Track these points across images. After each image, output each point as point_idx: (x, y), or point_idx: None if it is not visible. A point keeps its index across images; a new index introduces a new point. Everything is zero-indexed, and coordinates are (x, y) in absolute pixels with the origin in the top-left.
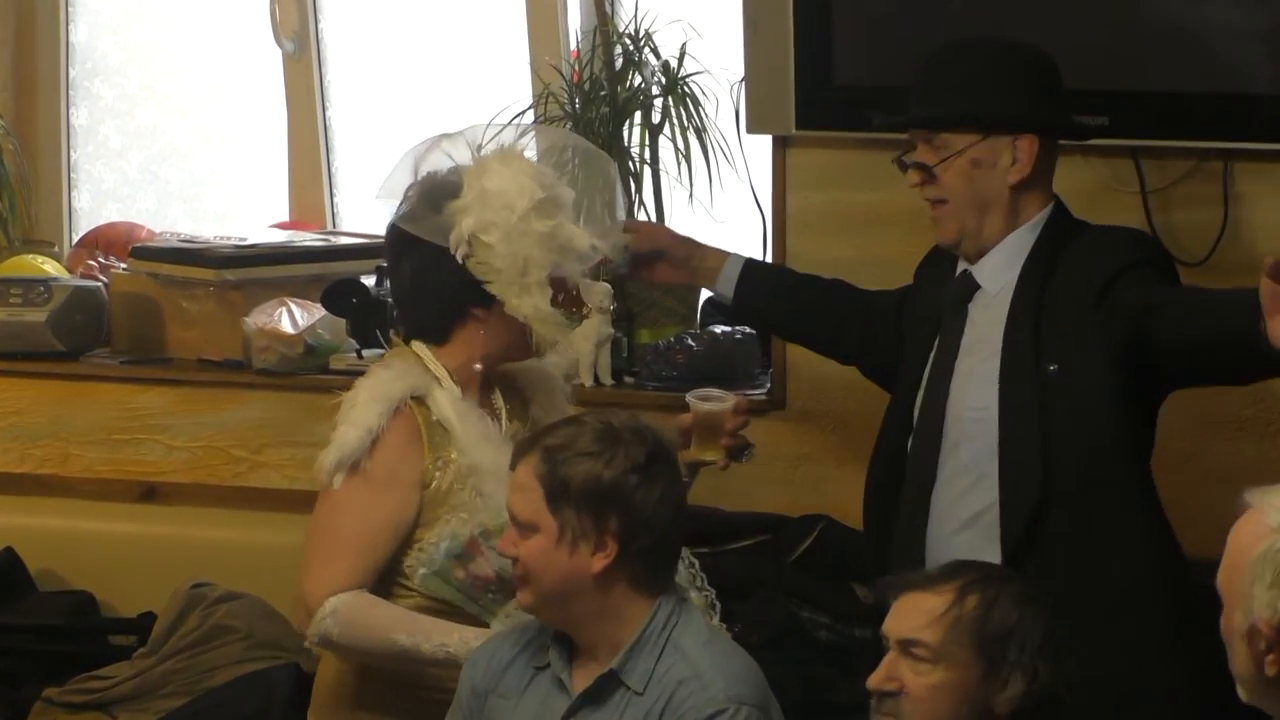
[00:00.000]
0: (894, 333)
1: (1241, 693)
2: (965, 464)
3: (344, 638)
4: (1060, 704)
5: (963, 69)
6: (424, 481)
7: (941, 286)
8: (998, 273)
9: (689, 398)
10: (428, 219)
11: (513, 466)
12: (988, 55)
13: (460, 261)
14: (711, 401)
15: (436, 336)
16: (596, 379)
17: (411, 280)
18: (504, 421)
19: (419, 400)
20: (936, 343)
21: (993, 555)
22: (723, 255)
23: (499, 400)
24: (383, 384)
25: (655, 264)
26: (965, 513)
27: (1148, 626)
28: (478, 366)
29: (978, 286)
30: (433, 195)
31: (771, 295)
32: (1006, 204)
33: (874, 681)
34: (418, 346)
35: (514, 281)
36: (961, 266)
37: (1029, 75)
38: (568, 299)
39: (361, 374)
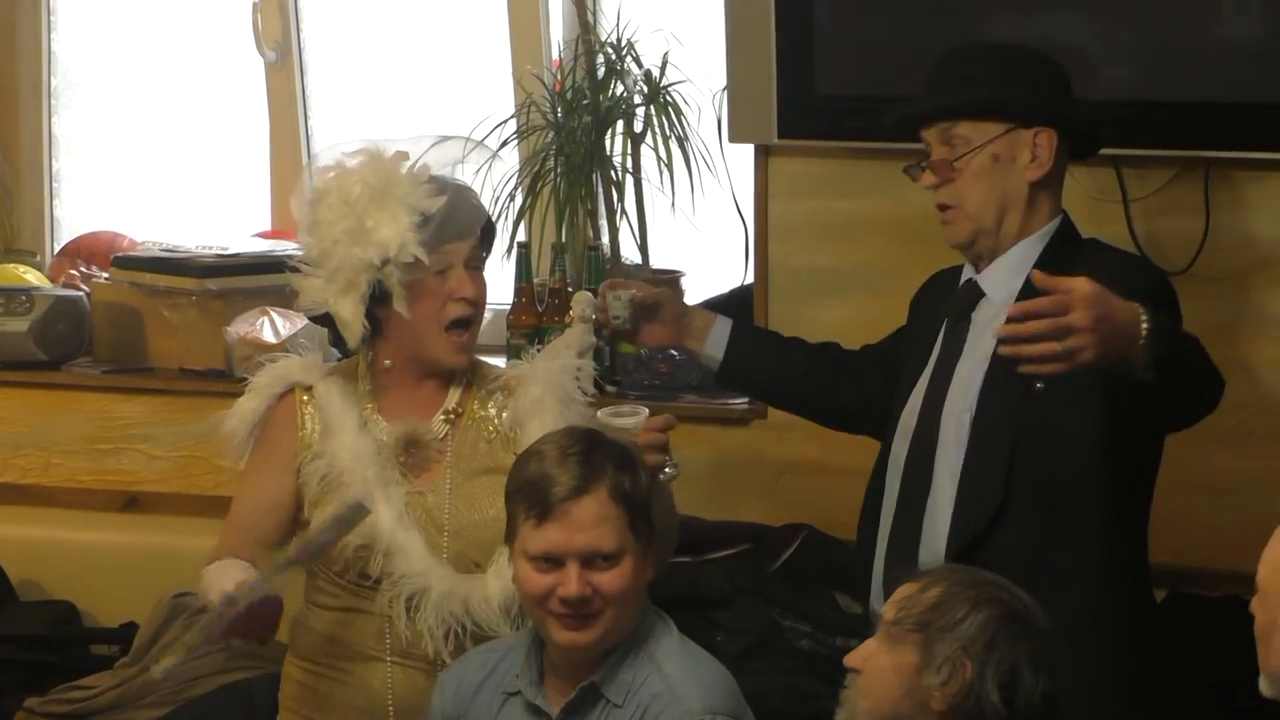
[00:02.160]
0: (891, 376)
1: (1266, 687)
2: (954, 467)
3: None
4: (993, 714)
5: (981, 62)
6: (298, 463)
7: (942, 301)
8: (1003, 281)
9: (599, 414)
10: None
11: (564, 502)
12: (1005, 52)
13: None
14: (622, 418)
15: (364, 336)
16: None
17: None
18: (433, 421)
19: (308, 389)
20: (937, 350)
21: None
22: (711, 316)
23: (451, 399)
24: (265, 373)
25: (651, 321)
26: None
27: (1096, 656)
28: (387, 363)
29: (982, 294)
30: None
31: (762, 355)
32: (1024, 202)
33: (846, 659)
34: (362, 350)
35: (331, 277)
36: (966, 276)
37: (1047, 72)
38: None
39: None
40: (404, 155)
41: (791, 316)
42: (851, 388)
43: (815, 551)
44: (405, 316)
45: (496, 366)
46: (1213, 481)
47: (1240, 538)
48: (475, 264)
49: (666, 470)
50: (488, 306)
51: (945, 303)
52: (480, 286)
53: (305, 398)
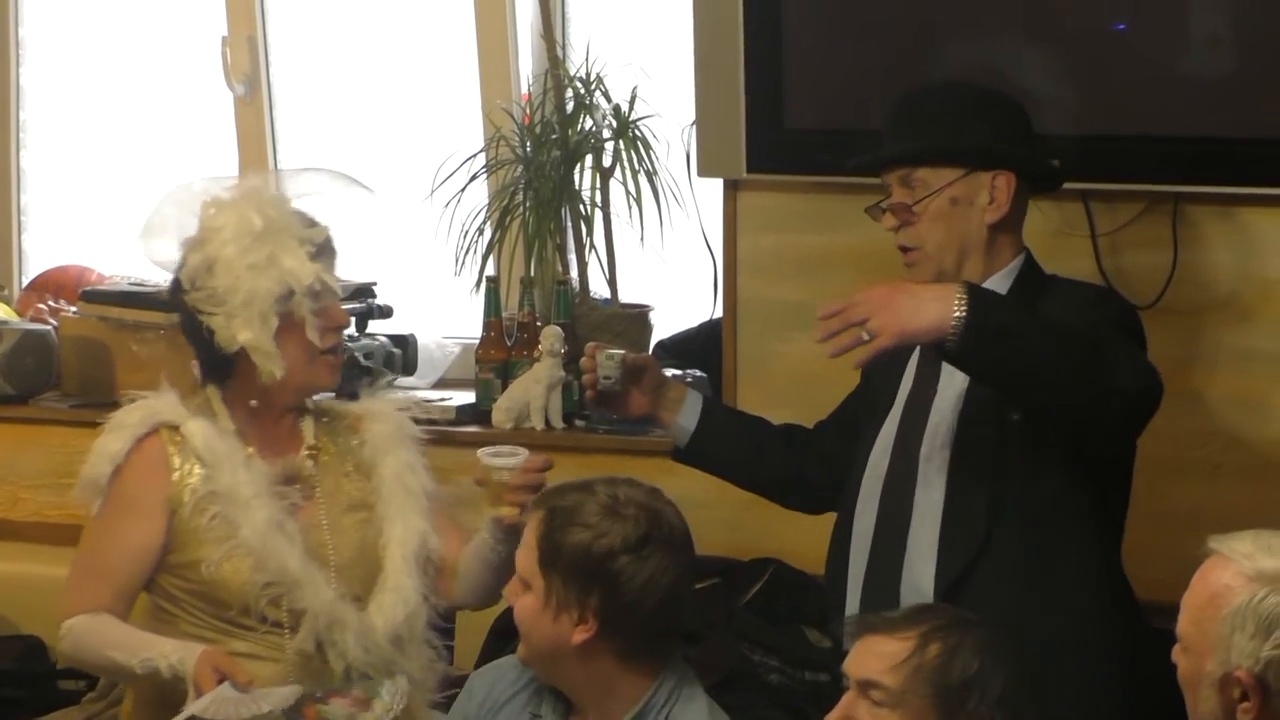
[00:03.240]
0: (850, 436)
1: None
2: (936, 504)
3: (75, 658)
4: None
5: (939, 106)
6: (172, 506)
7: (901, 348)
8: None
9: (480, 453)
10: (178, 260)
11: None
12: (964, 94)
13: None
14: (502, 458)
15: (219, 377)
16: (548, 422)
17: (182, 324)
18: (299, 456)
19: (174, 428)
20: (907, 390)
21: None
22: (684, 388)
23: (308, 434)
24: (126, 413)
25: (636, 385)
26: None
27: (1084, 677)
28: (253, 403)
29: None
30: (184, 236)
31: (733, 428)
32: (984, 245)
33: (830, 719)
34: (210, 390)
35: (236, 313)
36: None
37: (1005, 115)
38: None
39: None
40: (280, 191)
41: (760, 350)
42: (815, 460)
43: (784, 586)
44: (319, 344)
45: (339, 403)
46: (1182, 514)
47: None
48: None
49: None
50: (457, 340)
51: (905, 348)
52: (345, 314)
53: (174, 438)
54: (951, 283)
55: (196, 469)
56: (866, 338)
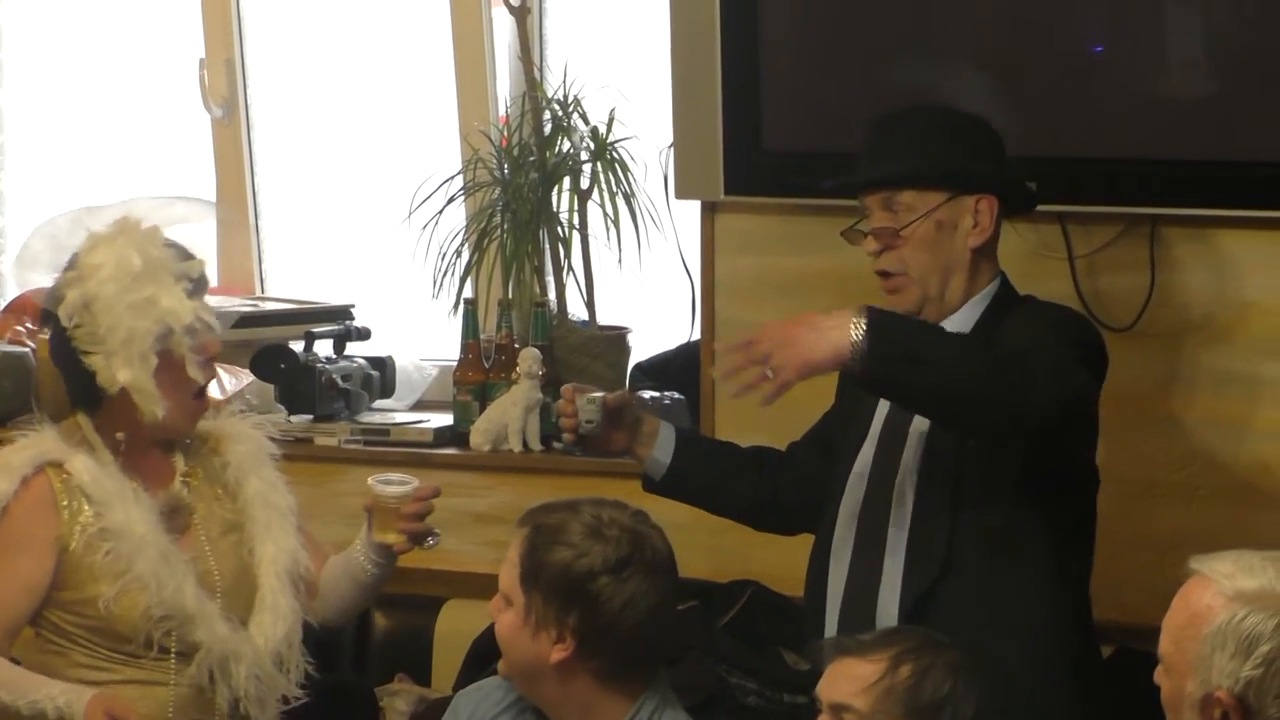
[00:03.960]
0: (826, 456)
1: None
2: (905, 524)
3: None
4: None
5: (920, 129)
6: (61, 544)
7: None
8: None
9: (370, 480)
10: (53, 292)
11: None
12: (943, 117)
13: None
14: (392, 486)
15: (89, 405)
16: (525, 444)
17: (54, 352)
18: (176, 486)
19: (58, 466)
20: (884, 414)
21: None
22: (656, 420)
23: (180, 464)
24: (12, 453)
25: (616, 425)
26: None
27: (1039, 697)
28: (119, 435)
29: None
30: (61, 268)
31: (708, 456)
32: (967, 267)
33: None
34: (80, 417)
35: (116, 352)
36: None
37: (983, 138)
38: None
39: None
40: (157, 226)
41: None
42: (789, 482)
43: (762, 608)
44: (200, 380)
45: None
46: (1159, 538)
47: None
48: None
49: (430, 539)
50: (435, 362)
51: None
52: (217, 347)
53: (60, 475)
54: (947, 312)
55: (85, 506)
56: (770, 374)
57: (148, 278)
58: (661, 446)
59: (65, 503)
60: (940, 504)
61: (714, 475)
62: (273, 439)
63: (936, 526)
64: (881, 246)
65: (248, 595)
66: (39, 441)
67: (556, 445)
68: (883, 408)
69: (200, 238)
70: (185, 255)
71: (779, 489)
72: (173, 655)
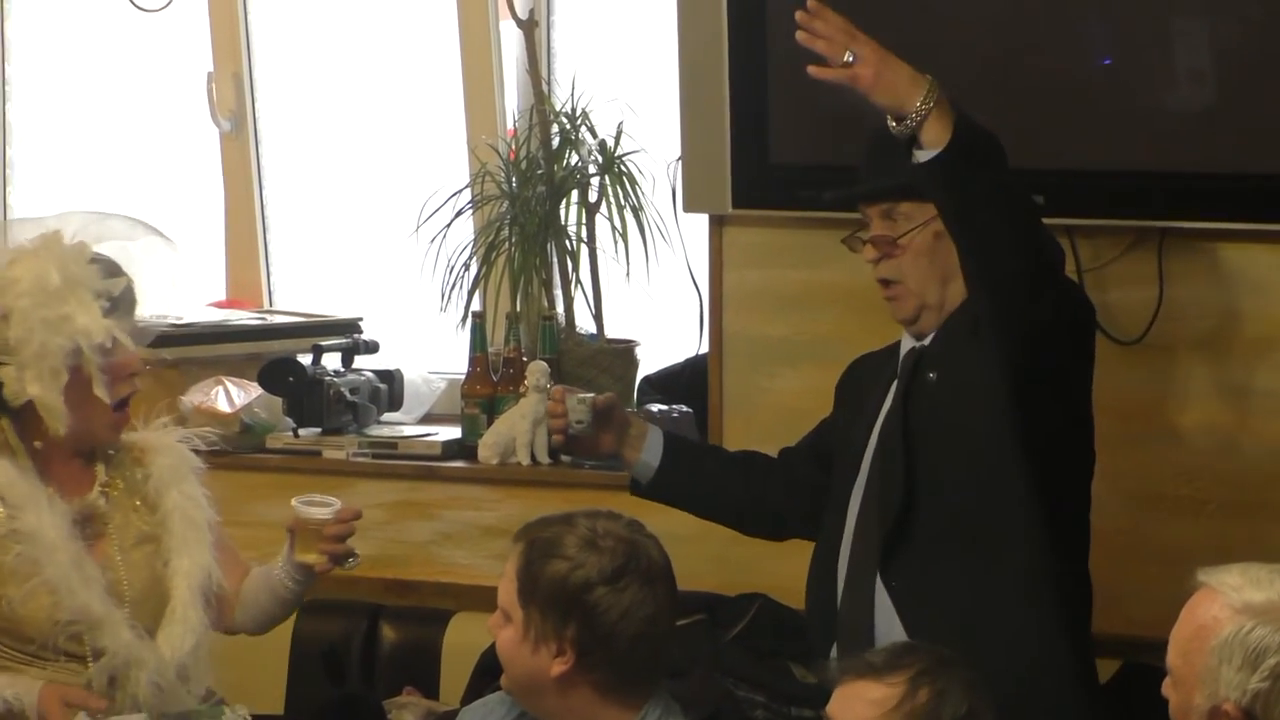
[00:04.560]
0: (820, 465)
1: None
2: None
3: None
4: None
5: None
6: None
7: (873, 381)
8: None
9: (294, 502)
10: None
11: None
12: None
13: None
14: (314, 507)
15: (8, 412)
16: (534, 458)
17: None
18: (93, 494)
19: None
20: (881, 420)
21: None
22: (644, 424)
23: (101, 473)
24: None
25: (605, 426)
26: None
27: (1031, 636)
28: (37, 444)
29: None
30: None
31: (696, 459)
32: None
33: None
34: (4, 421)
35: (28, 365)
36: (908, 345)
37: None
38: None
39: (298, 453)
40: (84, 242)
41: (746, 386)
42: (778, 487)
43: (770, 621)
44: (107, 399)
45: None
46: (1168, 551)
47: None
48: (140, 340)
49: (350, 560)
50: (443, 375)
51: (878, 380)
52: (141, 363)
53: None
54: (935, 312)
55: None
56: (850, 59)
57: (65, 294)
58: (650, 449)
59: None
60: (893, 448)
61: (702, 478)
62: (198, 452)
63: (893, 469)
64: (880, 255)
65: (157, 606)
66: None
67: (564, 459)
68: (882, 417)
69: (140, 256)
70: (110, 272)
71: (767, 493)
72: (81, 659)
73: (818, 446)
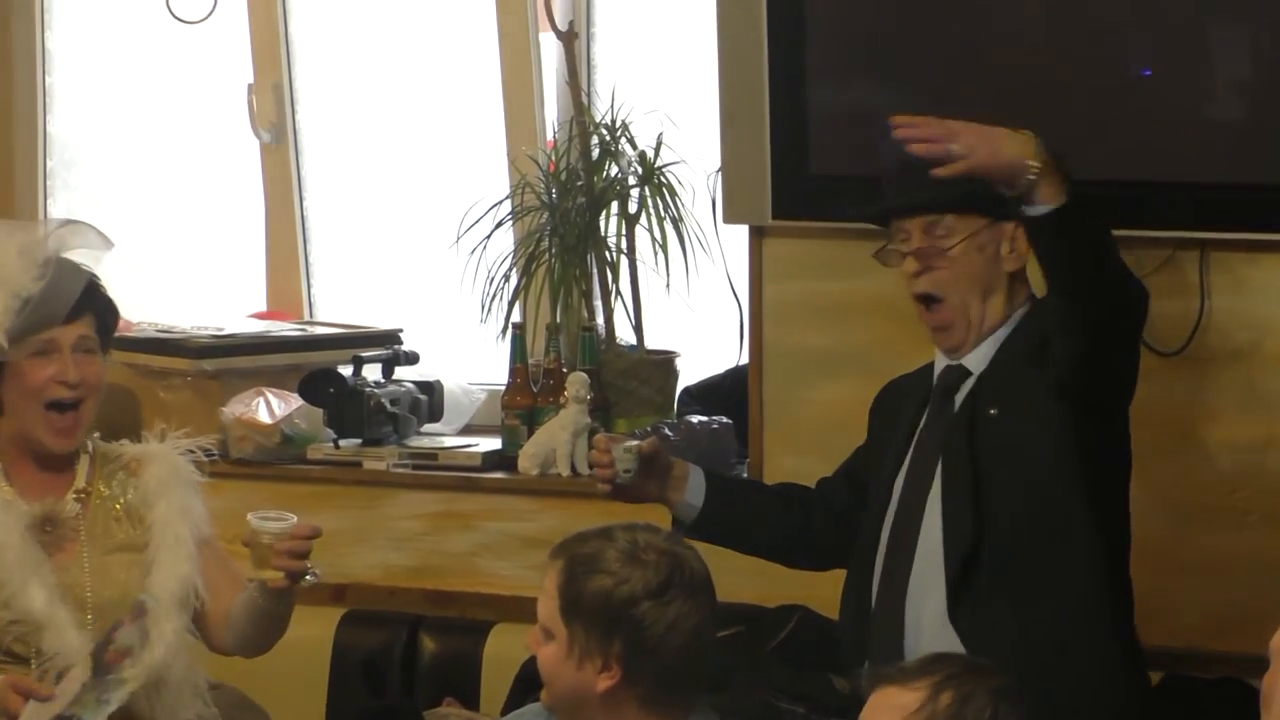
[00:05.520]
0: (858, 491)
1: None
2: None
3: None
4: None
5: None
6: None
7: (906, 402)
8: (980, 355)
9: (249, 516)
10: None
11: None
12: None
13: None
14: (270, 522)
15: None
16: (574, 469)
17: None
18: (65, 500)
19: None
20: (916, 439)
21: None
22: (686, 464)
23: (80, 479)
24: None
25: (649, 472)
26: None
27: (1095, 660)
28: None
29: (969, 373)
30: None
31: (739, 495)
32: (1005, 291)
33: None
34: None
35: None
36: (942, 364)
37: None
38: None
39: (338, 464)
40: (19, 236)
41: (786, 397)
42: (819, 518)
43: (810, 632)
44: (12, 397)
45: (117, 446)
46: (1208, 563)
47: (1236, 620)
48: (85, 347)
49: (308, 577)
50: (483, 386)
51: (911, 401)
52: (87, 369)
53: None
54: (984, 335)
55: None
56: (956, 150)
57: None
58: (693, 490)
59: None
60: (962, 479)
61: (745, 514)
62: (198, 464)
63: (961, 502)
64: (922, 268)
65: (125, 614)
66: None
67: None
68: (918, 436)
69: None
70: (38, 275)
71: (809, 524)
72: (24, 661)
73: (853, 475)
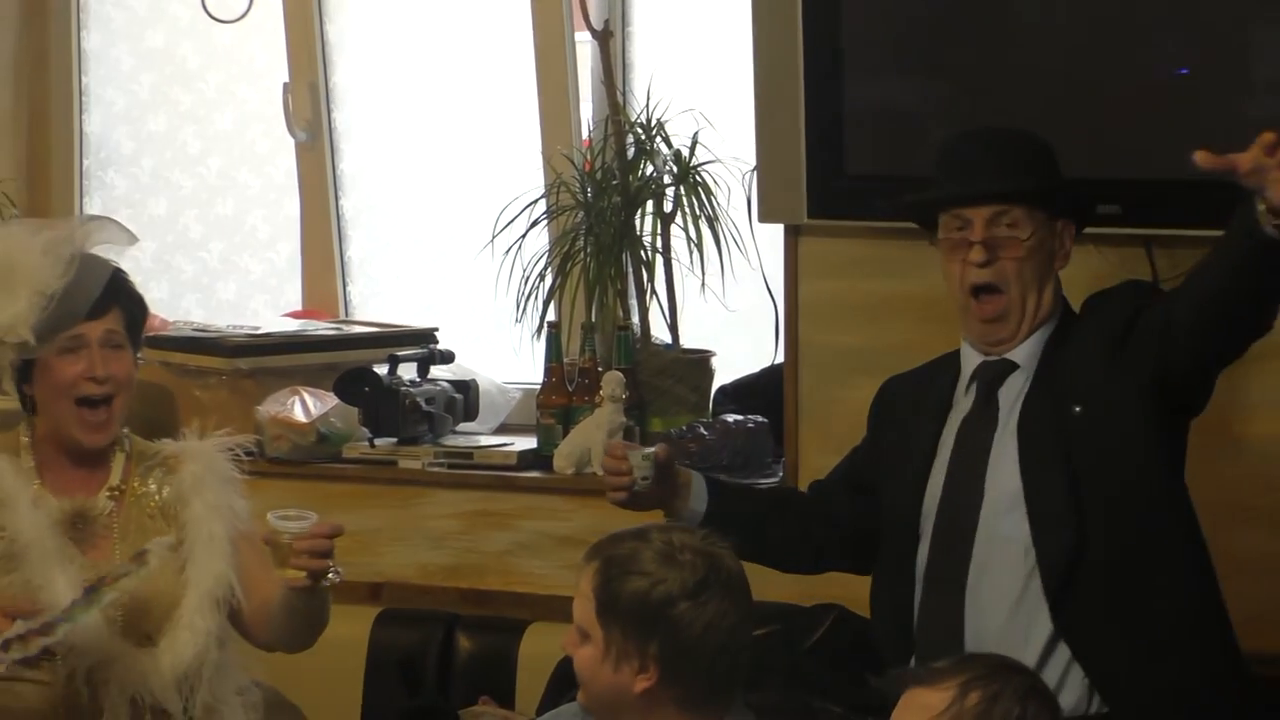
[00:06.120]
0: (862, 493)
1: None
2: (1009, 535)
3: None
4: None
5: (1029, 147)
6: None
7: (924, 396)
8: (1030, 354)
9: (269, 515)
10: None
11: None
12: (1036, 139)
13: None
14: (289, 521)
15: (27, 409)
16: None
17: None
18: (98, 497)
19: None
20: (951, 440)
21: (1046, 623)
22: (688, 471)
23: (115, 477)
24: None
25: (663, 477)
26: (1015, 589)
27: (1202, 653)
28: (25, 439)
29: (1014, 366)
30: None
31: (741, 497)
32: (1053, 288)
33: None
34: (24, 423)
35: None
36: (976, 359)
37: (1054, 159)
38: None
39: (373, 463)
40: (44, 234)
41: (822, 396)
42: (818, 520)
43: (846, 632)
44: (44, 395)
45: (155, 443)
46: (1248, 563)
47: (1275, 620)
48: (113, 342)
49: (330, 575)
50: (518, 385)
51: (930, 396)
52: (115, 364)
53: None
54: (1032, 331)
55: None
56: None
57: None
58: (696, 496)
59: None
60: (1053, 480)
61: (748, 518)
62: (237, 461)
63: (1054, 503)
64: (990, 257)
65: (158, 613)
66: None
67: None
68: (949, 438)
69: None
70: (61, 272)
71: (808, 527)
72: (52, 655)
73: (854, 475)
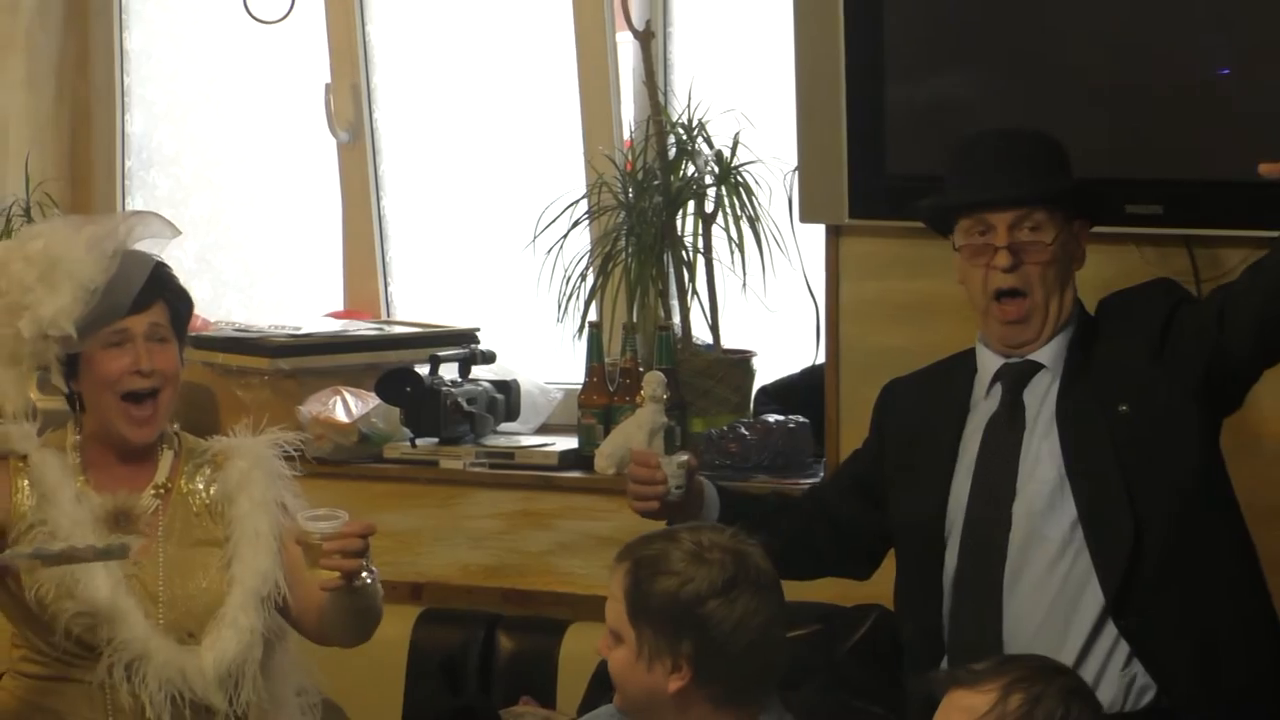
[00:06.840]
0: (866, 498)
1: None
2: (1046, 535)
3: None
4: None
5: (1045, 150)
6: (9, 524)
7: (943, 396)
8: (1055, 354)
9: (299, 516)
10: None
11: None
12: (1050, 140)
13: None
14: (320, 521)
15: (73, 407)
16: None
17: None
18: (143, 494)
19: (24, 459)
20: (977, 442)
21: (1086, 621)
22: (701, 480)
23: (161, 474)
24: None
25: (690, 489)
26: (1052, 588)
27: (1265, 651)
28: (73, 437)
29: (1040, 366)
30: None
31: (748, 503)
32: (1073, 290)
33: None
34: (72, 421)
35: None
36: (993, 363)
37: (1069, 161)
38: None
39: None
40: (88, 229)
41: (862, 397)
42: (821, 524)
43: (887, 632)
44: (90, 390)
45: (204, 440)
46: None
47: None
48: (158, 335)
49: (364, 575)
50: (560, 385)
51: (945, 395)
52: (161, 358)
53: (20, 466)
54: (1054, 334)
55: (27, 499)
56: None
57: (38, 281)
58: (709, 504)
59: (20, 491)
60: (1108, 483)
61: (754, 525)
62: (288, 458)
63: (1113, 506)
64: (1015, 262)
65: (200, 611)
66: (6, 431)
67: None
68: (974, 440)
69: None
70: (106, 267)
71: (812, 532)
72: (94, 650)
73: (860, 480)
